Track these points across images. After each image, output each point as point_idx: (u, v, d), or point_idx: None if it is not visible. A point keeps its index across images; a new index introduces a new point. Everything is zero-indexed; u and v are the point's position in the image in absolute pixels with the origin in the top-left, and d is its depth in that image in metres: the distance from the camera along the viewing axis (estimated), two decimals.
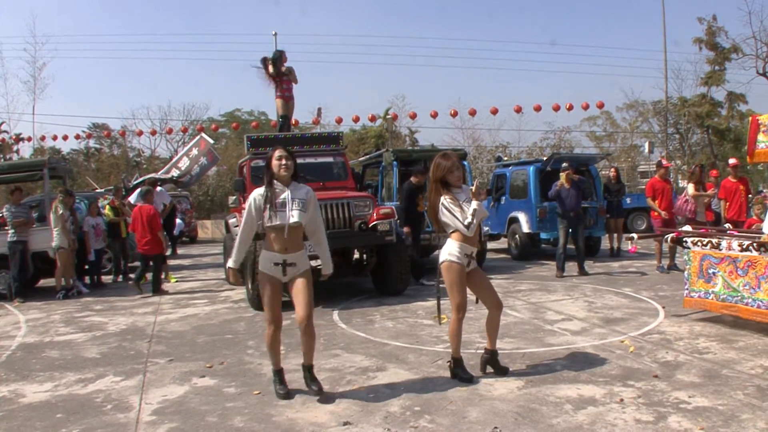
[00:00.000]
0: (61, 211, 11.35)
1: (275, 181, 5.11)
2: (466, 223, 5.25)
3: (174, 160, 15.93)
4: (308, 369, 5.27)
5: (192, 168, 14.58)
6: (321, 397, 5.09)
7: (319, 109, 20.75)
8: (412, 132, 39.88)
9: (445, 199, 5.31)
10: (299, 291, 5.07)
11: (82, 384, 5.87)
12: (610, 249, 14.45)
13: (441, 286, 5.51)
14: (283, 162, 5.08)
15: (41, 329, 8.62)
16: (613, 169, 15.66)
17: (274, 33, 14.03)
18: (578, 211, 11.51)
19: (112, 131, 39.02)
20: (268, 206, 5.00)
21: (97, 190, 20.00)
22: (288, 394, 5.16)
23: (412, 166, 13.02)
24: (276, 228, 5.02)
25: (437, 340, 6.94)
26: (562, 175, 11.54)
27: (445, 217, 5.32)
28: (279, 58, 11.96)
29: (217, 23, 71.02)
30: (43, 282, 12.89)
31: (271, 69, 11.97)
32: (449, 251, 5.32)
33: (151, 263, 11.48)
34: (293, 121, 13.99)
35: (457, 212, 5.28)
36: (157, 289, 11.28)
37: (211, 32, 71.13)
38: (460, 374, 5.45)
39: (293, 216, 4.99)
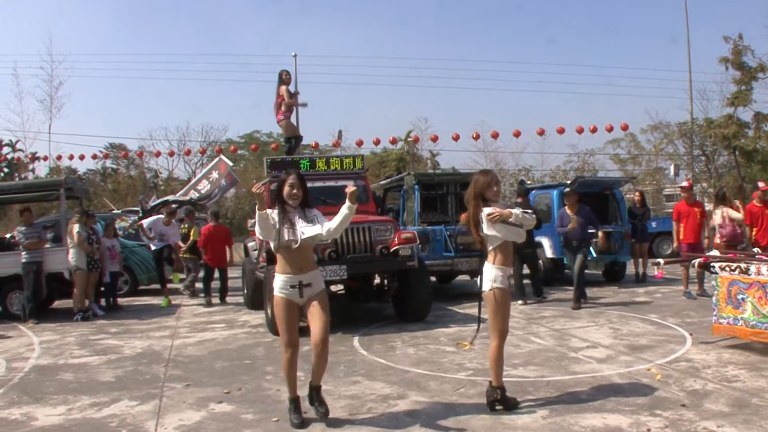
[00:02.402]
0: (77, 231, 11.39)
1: (285, 205, 5.17)
2: (516, 221, 5.23)
3: (193, 182, 16.05)
4: (315, 390, 5.26)
5: (213, 191, 14.73)
6: (327, 420, 5.06)
7: (340, 132, 21.02)
8: (434, 155, 40.00)
9: (490, 210, 5.27)
10: (316, 314, 5.07)
11: (96, 408, 5.87)
12: (636, 274, 14.31)
13: (483, 315, 5.46)
14: (294, 191, 5.12)
15: (55, 351, 8.66)
16: (637, 193, 15.54)
17: (294, 54, 14.18)
18: (583, 240, 10.98)
19: (129, 152, 39.44)
20: (280, 223, 5.04)
21: (113, 211, 20.23)
22: (302, 424, 5.11)
23: (433, 189, 13.18)
24: (288, 246, 5.02)
25: (459, 367, 6.89)
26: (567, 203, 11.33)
27: (493, 229, 5.25)
28: (285, 78, 12.51)
29: (237, 44, 71.96)
30: (57, 303, 12.97)
31: (285, 91, 12.47)
32: (493, 278, 5.26)
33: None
34: (313, 144, 14.14)
35: (515, 210, 5.26)
36: (224, 298, 12.94)
37: (230, 53, 72.04)
38: (509, 402, 5.36)
39: (304, 233, 5.02)
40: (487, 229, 5.26)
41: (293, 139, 12.85)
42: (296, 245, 5.02)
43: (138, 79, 55.45)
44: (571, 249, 11.11)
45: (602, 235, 12.85)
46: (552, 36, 72.76)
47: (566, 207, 11.20)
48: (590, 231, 11.33)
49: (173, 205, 14.23)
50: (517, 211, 5.26)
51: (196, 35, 73.34)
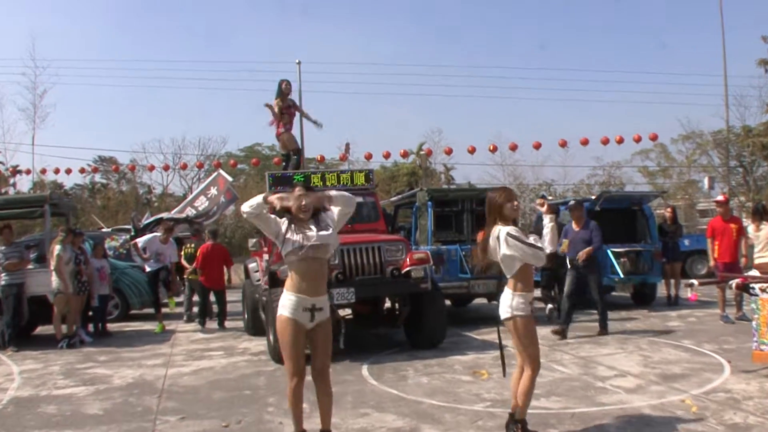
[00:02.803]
0: (57, 252, 11.19)
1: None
2: (539, 244, 5.25)
3: (189, 198, 16.14)
4: None
5: (211, 209, 14.76)
6: None
7: (347, 145, 20.99)
8: (448, 169, 40.13)
9: (510, 230, 5.25)
10: (322, 339, 5.09)
11: None
12: (668, 297, 14.26)
13: (502, 340, 5.51)
14: (303, 203, 5.10)
15: (37, 381, 8.61)
16: (668, 208, 15.53)
17: (297, 62, 14.30)
18: (588, 260, 10.55)
19: (120, 165, 39.56)
20: (293, 227, 5.04)
21: (103, 230, 20.26)
22: None
23: (448, 206, 13.22)
24: (299, 254, 4.99)
25: (477, 398, 6.86)
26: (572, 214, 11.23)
27: (511, 249, 5.21)
28: (285, 89, 12.63)
29: (237, 50, 72.16)
30: (41, 329, 12.92)
31: (276, 104, 12.54)
32: (515, 305, 5.25)
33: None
34: (319, 157, 14.22)
35: (529, 239, 5.26)
36: (222, 323, 13.00)
37: (229, 59, 72.28)
38: None
39: (318, 236, 5.03)
40: (506, 249, 5.22)
41: (292, 153, 12.89)
42: (314, 248, 4.99)
43: (130, 87, 55.94)
44: (577, 271, 10.72)
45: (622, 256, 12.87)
46: (573, 40, 72.50)
47: (572, 222, 11.10)
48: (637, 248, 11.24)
49: (170, 223, 14.23)
50: (548, 224, 5.26)
51: (192, 40, 73.49)
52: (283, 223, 5.09)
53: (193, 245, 13.86)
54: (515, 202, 5.37)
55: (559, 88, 75.89)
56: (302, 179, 10.87)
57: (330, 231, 5.11)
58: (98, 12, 72.65)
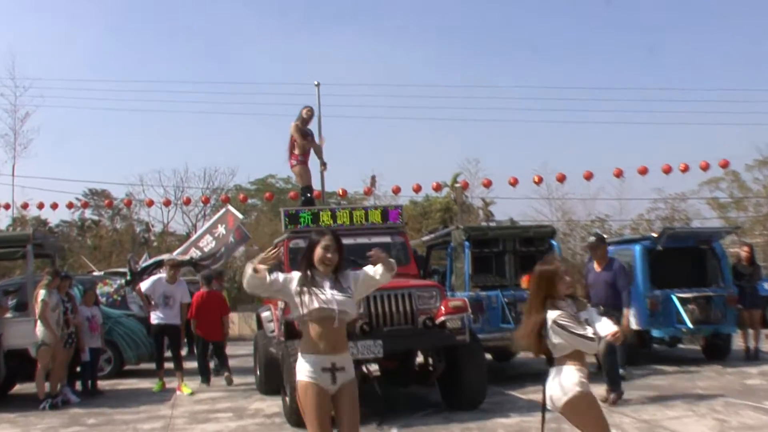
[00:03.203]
0: (42, 298, 11.11)
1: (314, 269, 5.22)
2: (589, 334, 5.22)
3: (194, 238, 16.11)
4: None
5: (218, 250, 14.75)
6: None
7: (373, 177, 20.78)
8: (487, 204, 39.95)
9: (557, 318, 5.26)
10: (348, 405, 5.10)
11: None
12: (745, 350, 14.06)
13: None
14: (329, 255, 5.17)
15: None
16: (744, 247, 15.31)
17: (316, 84, 14.35)
18: (610, 305, 10.18)
19: (114, 200, 39.39)
20: (305, 289, 5.08)
21: (94, 273, 20.35)
22: None
23: (487, 246, 13.25)
24: (316, 316, 5.04)
25: None
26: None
27: (559, 337, 5.24)
28: (306, 116, 12.85)
29: (248, 69, 72.13)
30: (20, 387, 12.92)
31: (293, 128, 12.79)
32: (572, 382, 5.22)
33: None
34: (340, 192, 14.30)
35: (578, 328, 5.23)
36: (230, 380, 13.08)
37: (238, 80, 72.12)
38: None
39: (335, 302, 5.05)
40: (553, 337, 5.26)
41: (308, 189, 13.09)
42: (333, 314, 5.03)
43: (125, 111, 56.02)
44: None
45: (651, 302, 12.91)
46: (628, 55, 72.05)
47: (594, 262, 10.95)
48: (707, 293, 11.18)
49: (176, 259, 14.09)
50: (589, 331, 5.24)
51: (196, 58, 73.27)
52: (292, 280, 5.16)
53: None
54: (568, 278, 5.40)
55: (611, 110, 75.03)
56: (309, 217, 11.16)
57: (350, 298, 5.16)
58: (89, 25, 72.81)
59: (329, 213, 11.67)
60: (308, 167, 13.25)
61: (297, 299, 5.08)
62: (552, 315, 5.25)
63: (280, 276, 5.18)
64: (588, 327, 5.23)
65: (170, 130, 66.08)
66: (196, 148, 68.90)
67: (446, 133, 69.83)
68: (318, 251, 5.18)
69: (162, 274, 13.23)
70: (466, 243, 13.09)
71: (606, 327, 5.36)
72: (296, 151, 12.92)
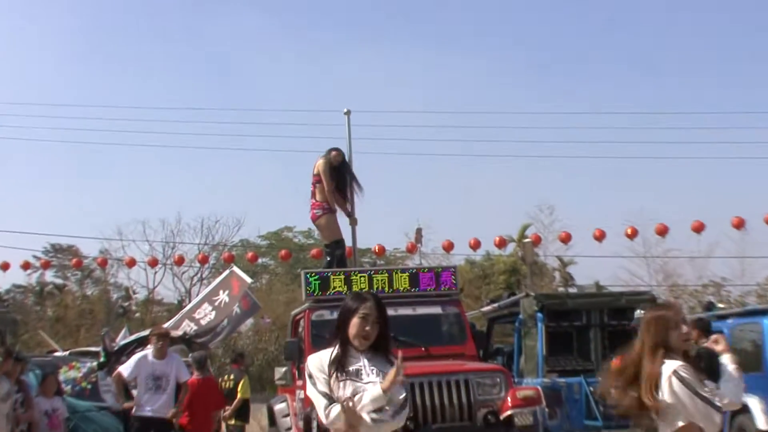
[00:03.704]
0: None
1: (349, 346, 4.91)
2: (717, 402, 4.93)
3: (188, 307, 15.55)
4: None
5: (219, 323, 14.21)
6: None
7: (419, 230, 20.42)
8: (565, 264, 39.17)
9: (679, 368, 4.95)
10: None
11: None
12: None
13: None
14: (367, 327, 4.81)
15: None
16: None
17: (345, 112, 14.04)
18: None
19: (84, 258, 37.82)
20: (335, 374, 4.77)
21: (57, 353, 19.78)
22: None
23: (566, 319, 13.07)
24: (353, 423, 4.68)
25: None
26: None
27: (674, 396, 4.92)
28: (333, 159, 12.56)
29: (258, 93, 70.03)
30: None
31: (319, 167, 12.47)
32: None
33: None
34: (376, 249, 13.74)
35: (702, 389, 4.92)
36: None
37: (244, 106, 70.54)
38: None
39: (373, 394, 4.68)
40: (667, 393, 4.93)
41: (338, 245, 12.69)
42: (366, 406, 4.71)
43: (100, 145, 54.45)
44: None
45: None
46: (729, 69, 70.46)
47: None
48: None
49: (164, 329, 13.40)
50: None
51: (190, 80, 69.93)
52: (322, 369, 4.84)
53: (232, 378, 13.76)
54: (685, 328, 5.24)
55: (727, 141, 71.14)
56: (339, 281, 10.93)
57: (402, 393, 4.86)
58: (57, 40, 71.91)
59: (364, 276, 11.47)
60: (336, 217, 12.86)
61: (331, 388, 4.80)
62: (672, 365, 4.98)
63: (318, 374, 4.86)
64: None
65: (160, 169, 62.54)
66: (192, 191, 64.74)
67: (512, 173, 67.33)
68: (354, 321, 4.79)
69: (147, 350, 12.39)
70: (539, 315, 12.87)
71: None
72: (317, 197, 12.51)
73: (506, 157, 71.64)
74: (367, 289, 10.88)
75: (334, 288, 11.01)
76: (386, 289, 11.08)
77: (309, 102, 65.41)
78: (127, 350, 13.46)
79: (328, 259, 12.81)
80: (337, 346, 4.91)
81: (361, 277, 11.40)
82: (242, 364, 13.78)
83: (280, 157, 68.57)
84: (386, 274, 11.52)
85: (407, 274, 11.59)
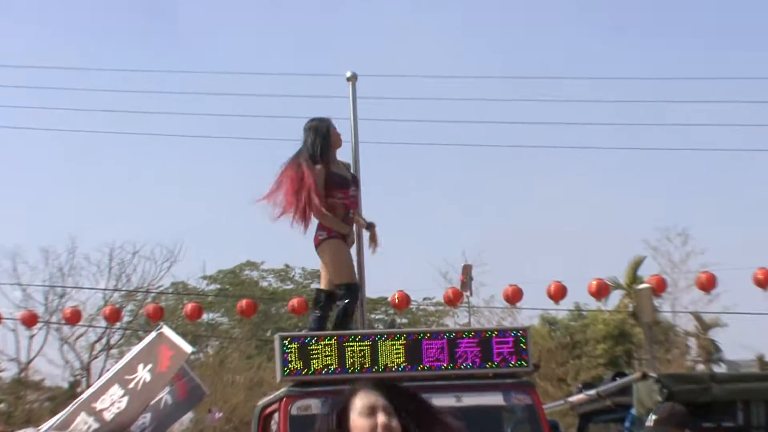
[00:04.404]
0: None
1: None
2: None
3: (86, 394, 12.16)
4: None
5: (135, 417, 10.97)
6: None
7: (467, 268, 16.95)
8: (707, 326, 32.86)
9: None
10: None
11: None
12: None
13: None
14: (381, 420, 3.15)
15: None
16: None
17: (348, 77, 10.76)
18: None
19: None
20: None
21: None
22: None
23: (708, 415, 10.77)
24: None
25: None
26: None
27: None
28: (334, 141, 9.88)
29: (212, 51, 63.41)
30: None
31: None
32: None
33: None
34: (394, 297, 10.99)
35: None
36: None
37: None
38: None
39: None
40: None
41: (339, 290, 9.66)
42: None
43: None
44: None
45: None
46: None
47: None
48: None
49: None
50: None
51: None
52: None
53: None
54: None
55: None
56: (334, 351, 8.76)
57: None
58: None
59: (366, 345, 9.36)
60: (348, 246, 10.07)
61: None
62: None
63: None
64: None
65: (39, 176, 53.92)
66: (95, 203, 52.82)
67: (619, 175, 58.83)
68: (359, 423, 3.03)
69: None
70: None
71: None
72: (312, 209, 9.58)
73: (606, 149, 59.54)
74: (369, 364, 8.62)
75: (326, 364, 8.64)
76: (406, 364, 8.68)
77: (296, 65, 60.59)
78: None
79: (317, 312, 9.76)
80: None
81: (365, 343, 8.88)
82: None
83: (244, 147, 62.77)
84: (415, 338, 9.02)
85: (447, 338, 9.09)
